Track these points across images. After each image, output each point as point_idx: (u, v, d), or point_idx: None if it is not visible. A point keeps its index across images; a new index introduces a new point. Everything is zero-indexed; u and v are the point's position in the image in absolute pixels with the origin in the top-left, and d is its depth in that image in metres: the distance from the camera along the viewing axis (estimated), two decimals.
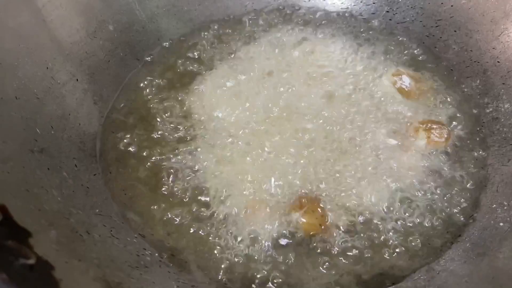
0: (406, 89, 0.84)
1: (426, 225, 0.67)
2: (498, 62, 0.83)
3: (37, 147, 0.67)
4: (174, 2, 0.97)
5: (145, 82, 0.88)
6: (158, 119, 0.82)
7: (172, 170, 0.75)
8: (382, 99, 0.82)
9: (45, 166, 0.66)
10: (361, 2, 1.01)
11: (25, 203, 0.57)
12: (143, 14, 0.94)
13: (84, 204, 0.66)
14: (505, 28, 0.83)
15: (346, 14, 1.01)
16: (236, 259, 0.64)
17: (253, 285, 0.63)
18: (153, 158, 0.76)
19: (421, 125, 0.77)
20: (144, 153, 0.77)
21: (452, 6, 0.91)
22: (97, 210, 0.67)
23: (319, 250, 0.65)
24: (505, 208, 0.67)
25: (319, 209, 0.66)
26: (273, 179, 0.71)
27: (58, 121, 0.74)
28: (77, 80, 0.81)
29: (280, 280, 0.63)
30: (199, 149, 0.76)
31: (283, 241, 0.66)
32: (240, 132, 0.78)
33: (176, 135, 0.79)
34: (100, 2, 0.87)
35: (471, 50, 0.88)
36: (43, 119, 0.71)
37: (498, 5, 0.84)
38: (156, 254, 0.65)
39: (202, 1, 1.00)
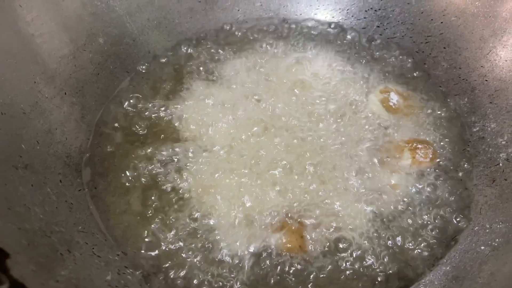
0: (394, 107, 0.84)
1: (408, 246, 0.67)
2: (486, 80, 0.83)
3: (21, 163, 0.67)
4: (165, 15, 0.98)
5: (134, 95, 0.88)
6: (147, 134, 0.82)
7: (159, 187, 0.75)
8: (369, 116, 0.83)
9: (28, 183, 0.66)
10: (352, 16, 1.01)
11: (5, 222, 0.57)
12: (134, 26, 0.94)
13: (67, 221, 0.67)
14: (493, 47, 0.83)
15: (337, 28, 1.01)
16: (217, 279, 0.65)
17: None
18: (141, 173, 0.76)
19: (406, 145, 0.77)
20: (132, 169, 0.77)
21: (442, 22, 0.92)
22: (80, 227, 0.68)
23: (298, 271, 0.65)
24: (487, 231, 0.67)
25: (300, 230, 0.66)
26: (255, 199, 0.71)
27: (44, 136, 0.74)
28: (65, 93, 0.81)
29: None
30: (186, 166, 0.77)
31: (263, 261, 0.66)
32: (226, 149, 0.78)
33: (164, 150, 0.79)
34: (90, 15, 0.87)
35: (460, 68, 0.88)
36: (28, 134, 0.71)
37: (487, 23, 0.84)
38: (138, 273, 0.66)
39: (193, 13, 1.00)
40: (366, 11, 1.00)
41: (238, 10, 1.03)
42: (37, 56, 0.78)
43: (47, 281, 0.54)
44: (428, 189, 0.73)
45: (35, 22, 0.77)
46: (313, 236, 0.67)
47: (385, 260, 0.66)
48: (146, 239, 0.69)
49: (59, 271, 0.57)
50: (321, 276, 0.65)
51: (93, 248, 0.66)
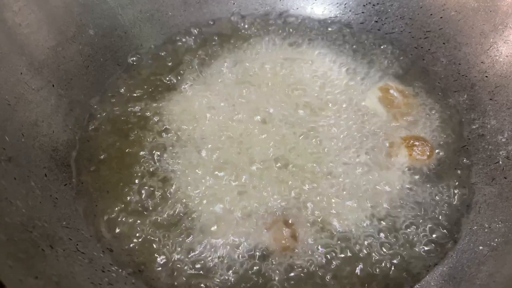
0: (392, 104, 0.82)
1: (403, 246, 0.65)
2: (486, 77, 0.81)
3: (4, 156, 0.65)
4: (159, 7, 0.95)
5: (125, 89, 0.86)
6: (136, 129, 0.79)
7: (147, 183, 0.72)
8: (366, 113, 0.80)
9: (11, 176, 0.64)
10: (350, 11, 0.99)
11: None
12: (126, 18, 0.92)
13: (51, 216, 0.64)
14: (494, 42, 0.81)
15: (335, 23, 0.99)
16: (204, 279, 0.62)
17: None
18: (129, 169, 0.74)
19: (403, 142, 0.74)
20: (120, 164, 0.75)
21: (441, 17, 0.89)
22: (64, 223, 0.65)
23: (288, 269, 0.62)
24: (486, 230, 0.65)
25: (291, 228, 0.64)
26: (246, 197, 0.68)
27: (30, 128, 0.72)
28: (53, 86, 0.78)
29: None
30: (176, 164, 0.74)
31: (254, 259, 0.63)
32: (217, 145, 0.75)
33: (154, 145, 0.77)
34: (80, 6, 0.85)
35: (459, 64, 0.86)
36: (13, 126, 0.69)
37: (487, 18, 0.82)
38: (122, 270, 0.63)
39: (187, 6, 0.98)
40: (364, 5, 0.98)
41: (234, 3, 1.01)
42: (24, 46, 0.75)
43: (25, 277, 0.51)
44: (425, 187, 0.71)
45: (22, 11, 0.75)
46: (305, 235, 0.65)
47: (380, 260, 0.63)
48: (133, 236, 0.67)
49: (39, 267, 0.55)
50: (312, 274, 0.62)
51: (77, 244, 0.63)
